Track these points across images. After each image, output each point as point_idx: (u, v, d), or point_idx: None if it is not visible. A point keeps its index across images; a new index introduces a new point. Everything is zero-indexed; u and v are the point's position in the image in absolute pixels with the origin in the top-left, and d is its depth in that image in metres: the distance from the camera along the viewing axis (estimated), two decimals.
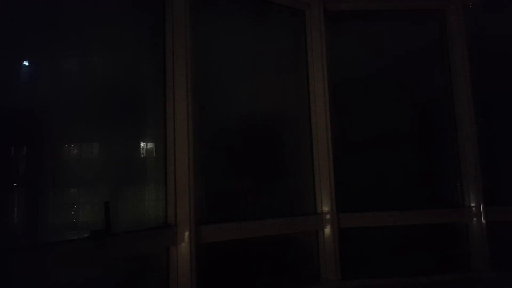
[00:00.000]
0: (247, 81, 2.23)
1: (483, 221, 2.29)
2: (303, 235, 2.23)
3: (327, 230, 2.21)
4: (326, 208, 2.23)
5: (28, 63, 1.55)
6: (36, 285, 1.37)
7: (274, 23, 2.37)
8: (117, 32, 1.80)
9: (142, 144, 1.85)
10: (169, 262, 1.78)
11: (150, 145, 1.87)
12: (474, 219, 2.31)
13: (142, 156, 1.85)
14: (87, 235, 1.51)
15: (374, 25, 2.57)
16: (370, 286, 2.17)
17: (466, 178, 2.36)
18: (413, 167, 2.45)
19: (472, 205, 2.33)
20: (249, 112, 2.20)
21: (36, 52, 1.56)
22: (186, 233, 1.78)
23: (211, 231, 1.88)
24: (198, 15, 2.00)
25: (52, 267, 1.39)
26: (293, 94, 2.36)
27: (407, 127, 2.49)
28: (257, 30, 2.30)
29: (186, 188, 1.80)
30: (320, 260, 2.19)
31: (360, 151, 2.39)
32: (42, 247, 1.40)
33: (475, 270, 2.25)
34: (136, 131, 1.84)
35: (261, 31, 2.31)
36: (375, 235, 2.31)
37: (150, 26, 1.93)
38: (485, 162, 2.36)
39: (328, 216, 2.22)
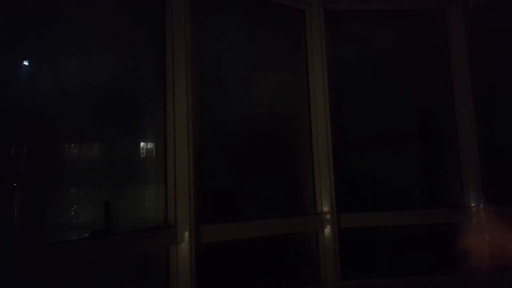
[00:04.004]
0: (247, 81, 2.23)
1: (482, 221, 2.29)
2: (303, 235, 2.23)
3: (327, 230, 2.21)
4: (326, 208, 2.23)
5: (28, 63, 1.56)
6: (36, 285, 1.37)
7: (274, 23, 2.37)
8: (117, 32, 1.80)
9: (142, 144, 1.85)
10: (169, 262, 1.78)
11: (150, 145, 1.87)
12: (474, 219, 2.31)
13: (142, 156, 1.85)
14: (87, 235, 1.51)
15: (374, 25, 2.57)
16: (370, 286, 2.17)
17: (466, 178, 2.36)
18: (413, 167, 2.45)
19: (472, 205, 2.33)
20: (249, 112, 2.20)
21: (36, 52, 1.56)
22: (186, 233, 1.78)
23: (211, 231, 1.88)
24: (198, 15, 2.00)
25: (52, 267, 1.39)
26: (293, 94, 2.36)
27: (407, 127, 2.49)
28: (257, 30, 2.30)
29: (186, 188, 1.80)
30: (320, 260, 2.19)
31: (360, 151, 2.39)
32: (42, 247, 1.40)
33: (475, 270, 2.25)
34: (136, 131, 1.84)
35: (261, 31, 2.31)
36: (375, 235, 2.31)
37: (150, 26, 1.93)
38: (485, 162, 2.35)
39: (328, 216, 2.22)
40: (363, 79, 2.46)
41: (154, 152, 1.86)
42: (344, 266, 2.19)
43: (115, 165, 1.72)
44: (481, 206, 2.30)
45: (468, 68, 2.42)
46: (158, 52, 1.88)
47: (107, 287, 1.59)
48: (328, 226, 2.21)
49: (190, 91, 1.88)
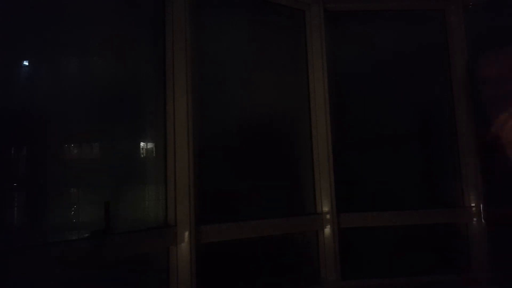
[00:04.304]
0: (247, 81, 2.23)
1: (483, 221, 2.29)
2: (303, 235, 2.23)
3: (327, 230, 2.21)
4: (326, 208, 2.23)
5: (28, 63, 1.56)
6: (36, 285, 1.37)
7: (274, 23, 2.37)
8: (117, 32, 1.80)
9: (142, 144, 1.85)
10: (169, 262, 1.78)
11: (150, 145, 1.87)
12: (474, 219, 2.31)
13: (142, 156, 1.85)
14: (87, 235, 1.51)
15: (374, 25, 2.57)
16: (370, 286, 2.17)
17: (466, 178, 2.36)
18: (413, 167, 2.45)
19: (472, 205, 2.33)
20: (249, 112, 2.20)
21: (36, 52, 1.56)
22: (186, 233, 1.78)
23: (211, 231, 1.88)
24: (198, 15, 2.00)
25: (52, 267, 1.39)
26: (293, 94, 2.36)
27: (407, 127, 2.49)
28: (257, 30, 2.30)
29: (186, 188, 1.80)
30: (320, 260, 2.19)
31: (360, 151, 2.39)
32: (42, 247, 1.40)
33: (475, 270, 2.25)
34: (136, 131, 1.84)
35: (261, 30, 2.31)
36: (375, 235, 2.31)
37: (150, 26, 1.93)
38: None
39: (328, 216, 2.22)
40: (363, 79, 2.46)
41: (154, 152, 1.86)
42: (344, 266, 2.19)
43: (115, 165, 1.72)
44: (481, 206, 2.30)
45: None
46: (158, 52, 1.88)
47: (107, 287, 1.59)
48: (328, 226, 2.21)
49: (190, 91, 1.88)
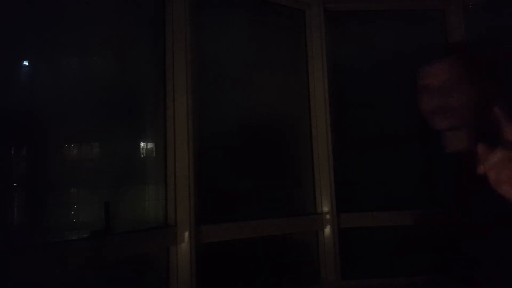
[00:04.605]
0: (247, 81, 2.23)
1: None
2: (303, 235, 2.23)
3: (327, 230, 2.21)
4: (326, 208, 2.23)
5: (28, 63, 1.56)
6: (36, 285, 1.37)
7: (274, 23, 2.37)
8: (117, 32, 1.80)
9: (142, 144, 1.85)
10: (169, 262, 1.78)
11: (150, 145, 1.87)
12: None
13: (142, 156, 1.85)
14: (87, 235, 1.51)
15: (374, 25, 2.57)
16: (370, 286, 2.17)
17: None
18: (413, 167, 2.44)
19: None
20: (249, 112, 2.20)
21: (36, 52, 1.56)
22: (186, 233, 1.78)
23: (211, 231, 1.88)
24: (198, 15, 2.00)
25: (52, 267, 1.39)
26: (293, 94, 2.36)
27: (407, 127, 2.49)
28: (257, 30, 2.30)
29: (186, 188, 1.80)
30: (320, 260, 2.19)
31: (360, 151, 2.39)
32: (42, 247, 1.40)
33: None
34: (136, 131, 1.84)
35: (261, 31, 2.31)
36: (375, 235, 2.31)
37: (150, 26, 1.93)
38: None
39: (328, 216, 2.22)
40: (363, 79, 2.46)
41: (154, 152, 1.86)
42: (344, 266, 2.19)
43: (115, 165, 1.72)
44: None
45: None
46: (158, 52, 1.88)
47: (107, 287, 1.59)
48: (328, 226, 2.21)
49: (190, 91, 1.88)
